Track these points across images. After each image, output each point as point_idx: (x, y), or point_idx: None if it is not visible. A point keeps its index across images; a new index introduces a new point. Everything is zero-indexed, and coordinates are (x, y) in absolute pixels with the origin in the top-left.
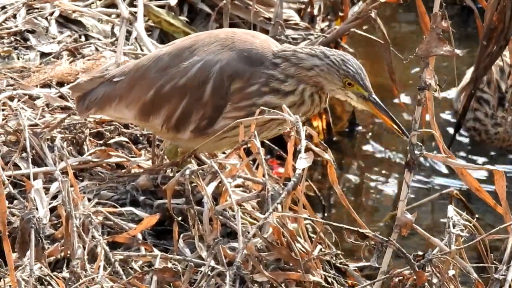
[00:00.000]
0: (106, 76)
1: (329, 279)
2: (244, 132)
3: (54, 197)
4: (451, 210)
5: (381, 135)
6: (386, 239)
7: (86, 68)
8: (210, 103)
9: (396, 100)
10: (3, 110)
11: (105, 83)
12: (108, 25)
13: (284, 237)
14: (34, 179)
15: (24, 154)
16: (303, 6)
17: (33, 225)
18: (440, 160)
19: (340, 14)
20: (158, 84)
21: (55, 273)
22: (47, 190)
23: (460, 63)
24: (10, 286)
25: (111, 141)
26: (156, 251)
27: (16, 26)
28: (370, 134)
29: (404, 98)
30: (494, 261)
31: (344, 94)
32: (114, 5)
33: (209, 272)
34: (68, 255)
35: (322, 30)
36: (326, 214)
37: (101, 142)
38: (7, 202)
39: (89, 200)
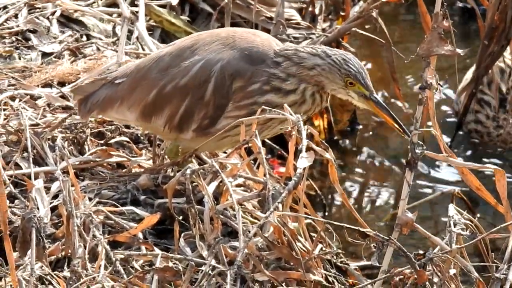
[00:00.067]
0: (107, 78)
1: (330, 278)
2: (245, 131)
3: (55, 196)
4: (452, 209)
5: (382, 134)
6: (387, 238)
7: (88, 68)
8: (212, 102)
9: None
10: (4, 110)
11: (107, 85)
12: (110, 24)
13: (285, 236)
14: (35, 178)
15: (25, 154)
16: (304, 6)
17: (34, 225)
18: (441, 159)
19: (342, 13)
20: (159, 85)
21: (56, 272)
22: (48, 189)
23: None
24: (11, 285)
25: (112, 140)
26: (157, 250)
27: (18, 26)
28: (371, 133)
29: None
30: (495, 260)
31: (345, 94)
32: (115, 5)
33: (210, 272)
34: (69, 254)
35: (323, 30)
36: (327, 213)
37: (102, 141)
38: (8, 201)
39: (90, 199)
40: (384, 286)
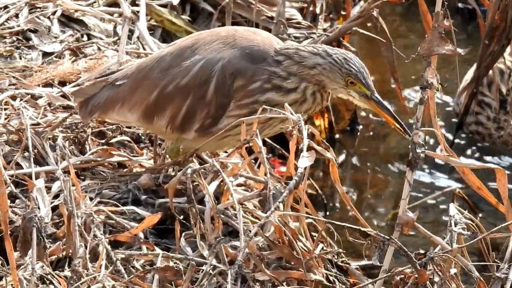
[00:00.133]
0: (108, 79)
1: (331, 278)
2: (246, 130)
3: (56, 196)
4: (453, 208)
5: (383, 134)
6: (388, 237)
7: (88, 68)
8: (213, 101)
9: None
10: (5, 109)
11: (108, 87)
12: (110, 24)
13: (285, 235)
14: (36, 178)
15: (26, 153)
16: (305, 5)
17: (35, 224)
18: (442, 158)
19: (343, 12)
20: (161, 85)
21: (56, 272)
22: (49, 189)
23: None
24: (12, 285)
25: (113, 140)
26: (158, 250)
27: (18, 26)
28: (371, 132)
29: (406, 97)
30: (496, 260)
31: (346, 93)
32: (116, 4)
33: (210, 271)
34: (69, 254)
35: (324, 29)
36: (327, 213)
37: (103, 141)
38: (9, 201)
39: (91, 199)
40: (385, 286)
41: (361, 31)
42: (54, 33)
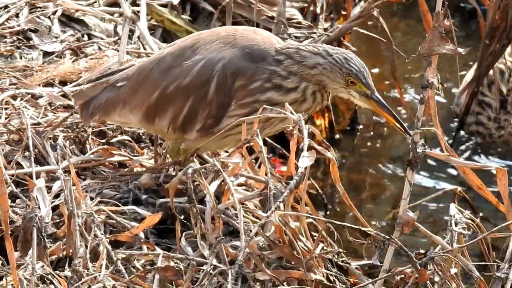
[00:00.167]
0: (109, 81)
1: (331, 278)
2: (247, 130)
3: (57, 195)
4: (453, 208)
5: (383, 133)
6: (388, 237)
7: (89, 67)
8: (215, 101)
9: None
10: (6, 109)
11: (108, 88)
12: (111, 24)
13: (286, 235)
14: (37, 178)
15: (26, 153)
16: (305, 5)
17: (35, 224)
18: (442, 158)
19: (343, 12)
20: (162, 86)
21: (57, 271)
22: (49, 189)
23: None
24: (12, 285)
25: (114, 140)
26: (158, 250)
27: (19, 25)
28: (372, 132)
29: (407, 97)
30: (496, 259)
31: (346, 93)
32: (117, 4)
33: (211, 271)
34: (70, 254)
35: (325, 29)
36: (328, 212)
37: (103, 141)
38: (9, 201)
39: (91, 199)
40: (385, 285)
41: (362, 31)
42: (54, 32)
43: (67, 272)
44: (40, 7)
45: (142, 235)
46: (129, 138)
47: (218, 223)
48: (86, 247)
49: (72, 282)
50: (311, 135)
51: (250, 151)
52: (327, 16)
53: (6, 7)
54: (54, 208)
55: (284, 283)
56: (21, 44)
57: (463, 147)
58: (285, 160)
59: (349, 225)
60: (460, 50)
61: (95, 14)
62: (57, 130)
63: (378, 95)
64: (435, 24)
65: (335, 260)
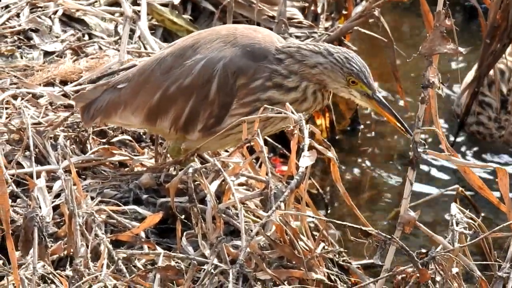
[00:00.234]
0: (110, 83)
1: (332, 277)
2: (247, 129)
3: (57, 195)
4: (454, 207)
5: (384, 133)
6: (389, 236)
7: (90, 67)
8: (216, 101)
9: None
10: (6, 108)
11: (109, 90)
12: (112, 23)
13: (287, 235)
14: (37, 177)
15: (27, 153)
16: (306, 4)
17: (36, 224)
18: (443, 158)
19: (344, 12)
20: (163, 86)
21: (58, 271)
22: (50, 188)
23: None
24: (13, 284)
25: (114, 139)
26: (159, 249)
27: (20, 25)
28: (373, 132)
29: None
30: (498, 259)
31: (347, 92)
32: (117, 4)
33: (212, 270)
34: (71, 253)
35: (325, 29)
36: (329, 212)
37: (104, 140)
38: (10, 200)
39: (92, 198)
40: (387, 285)
41: (363, 30)
42: (55, 32)
43: (68, 272)
44: (41, 7)
45: (143, 234)
46: (129, 138)
47: (219, 222)
48: (87, 246)
49: (73, 281)
50: (312, 135)
51: (251, 150)
52: (328, 16)
53: (7, 6)
54: (55, 208)
55: (285, 283)
56: (21, 44)
57: (463, 147)
58: (285, 160)
59: (350, 224)
60: (461, 49)
61: (96, 13)
62: (58, 130)
63: (379, 95)
64: (436, 23)
65: (336, 259)
